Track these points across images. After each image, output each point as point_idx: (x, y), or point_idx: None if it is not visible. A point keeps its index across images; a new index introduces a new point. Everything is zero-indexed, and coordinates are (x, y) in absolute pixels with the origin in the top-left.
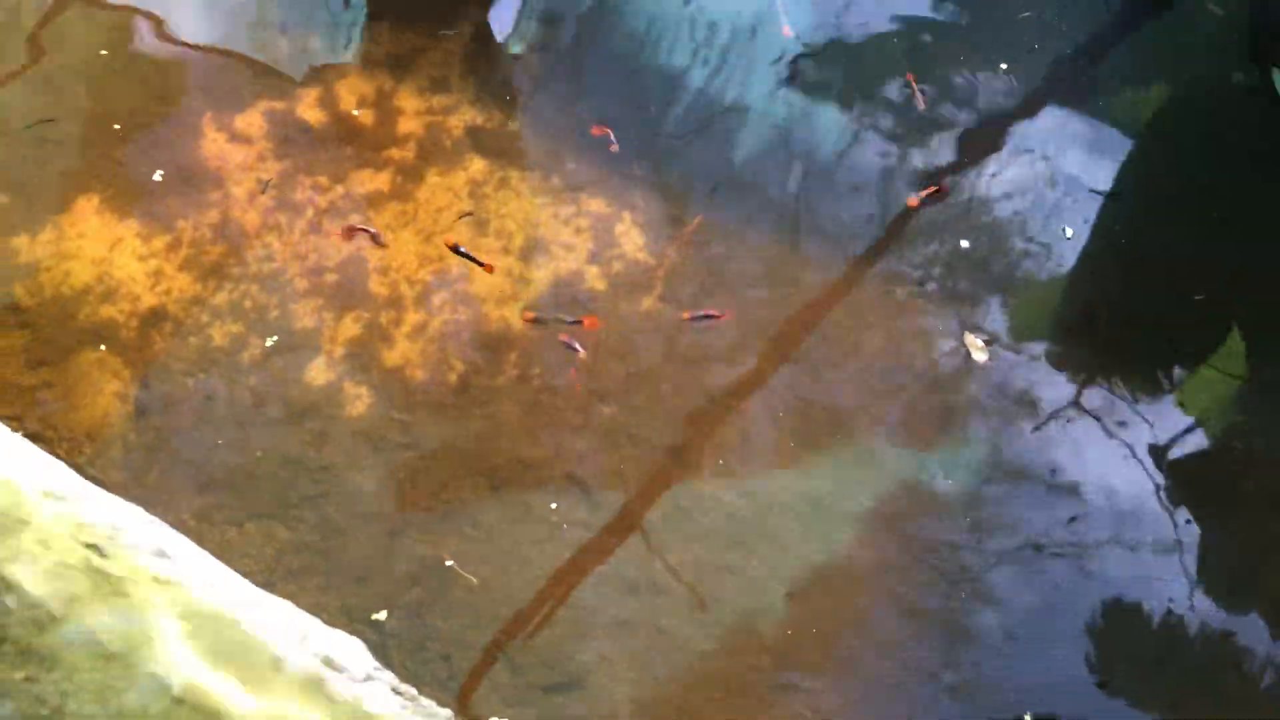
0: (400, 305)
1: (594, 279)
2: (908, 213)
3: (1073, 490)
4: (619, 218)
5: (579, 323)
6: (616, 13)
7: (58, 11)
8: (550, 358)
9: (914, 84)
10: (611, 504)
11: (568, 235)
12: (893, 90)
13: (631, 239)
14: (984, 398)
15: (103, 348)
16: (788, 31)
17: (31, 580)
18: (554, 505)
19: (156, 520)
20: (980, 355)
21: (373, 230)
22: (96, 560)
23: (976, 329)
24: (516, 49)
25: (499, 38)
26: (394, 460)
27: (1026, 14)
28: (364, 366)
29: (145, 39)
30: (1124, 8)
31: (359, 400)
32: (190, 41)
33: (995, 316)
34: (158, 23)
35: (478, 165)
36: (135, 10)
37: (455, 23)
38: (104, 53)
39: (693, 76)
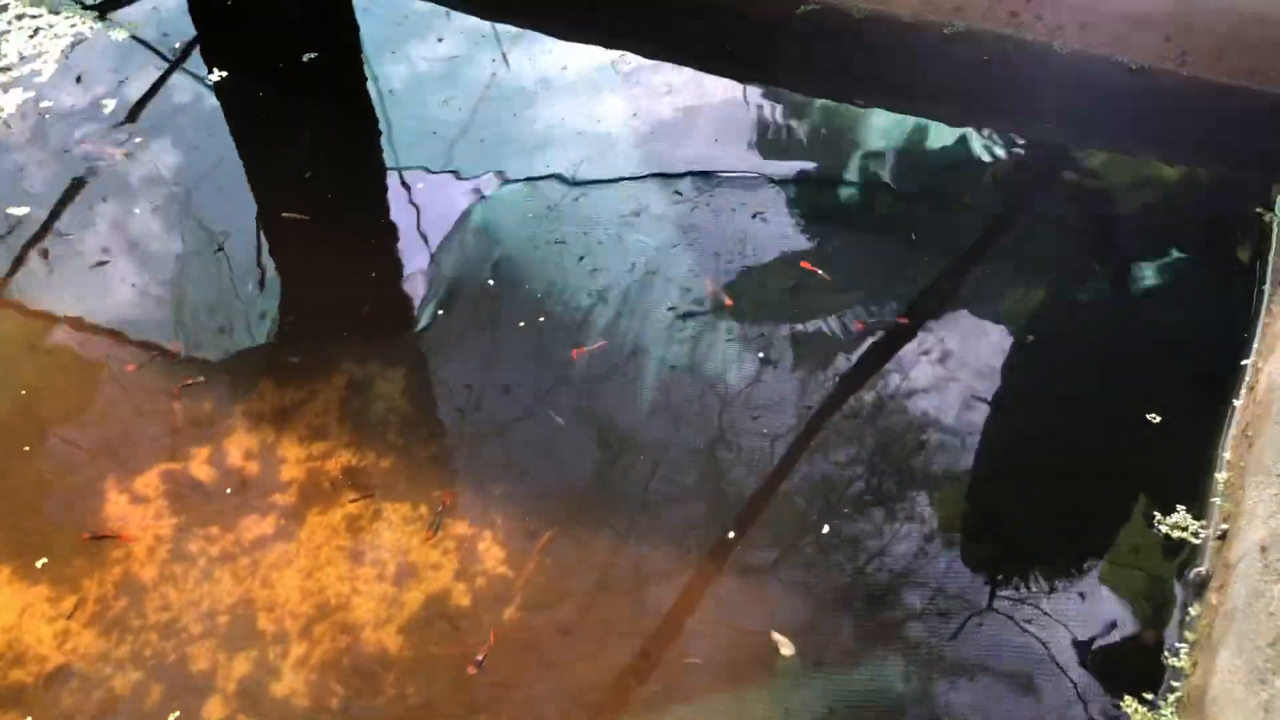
0: (285, 639)
1: (460, 595)
2: (809, 434)
3: (1003, 690)
4: (481, 536)
5: None
6: (512, 285)
7: None
8: (424, 675)
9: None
10: None
11: (435, 557)
12: (783, 326)
13: (493, 554)
14: (914, 601)
15: (13, 710)
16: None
17: None
18: None
19: None
20: (787, 650)
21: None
22: None
23: (781, 629)
24: (372, 369)
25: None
26: None
27: (890, 245)
28: (254, 701)
29: (43, 394)
30: (985, 229)
31: None
32: (88, 383)
33: (920, 515)
34: (48, 400)
35: (354, 503)
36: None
37: (329, 368)
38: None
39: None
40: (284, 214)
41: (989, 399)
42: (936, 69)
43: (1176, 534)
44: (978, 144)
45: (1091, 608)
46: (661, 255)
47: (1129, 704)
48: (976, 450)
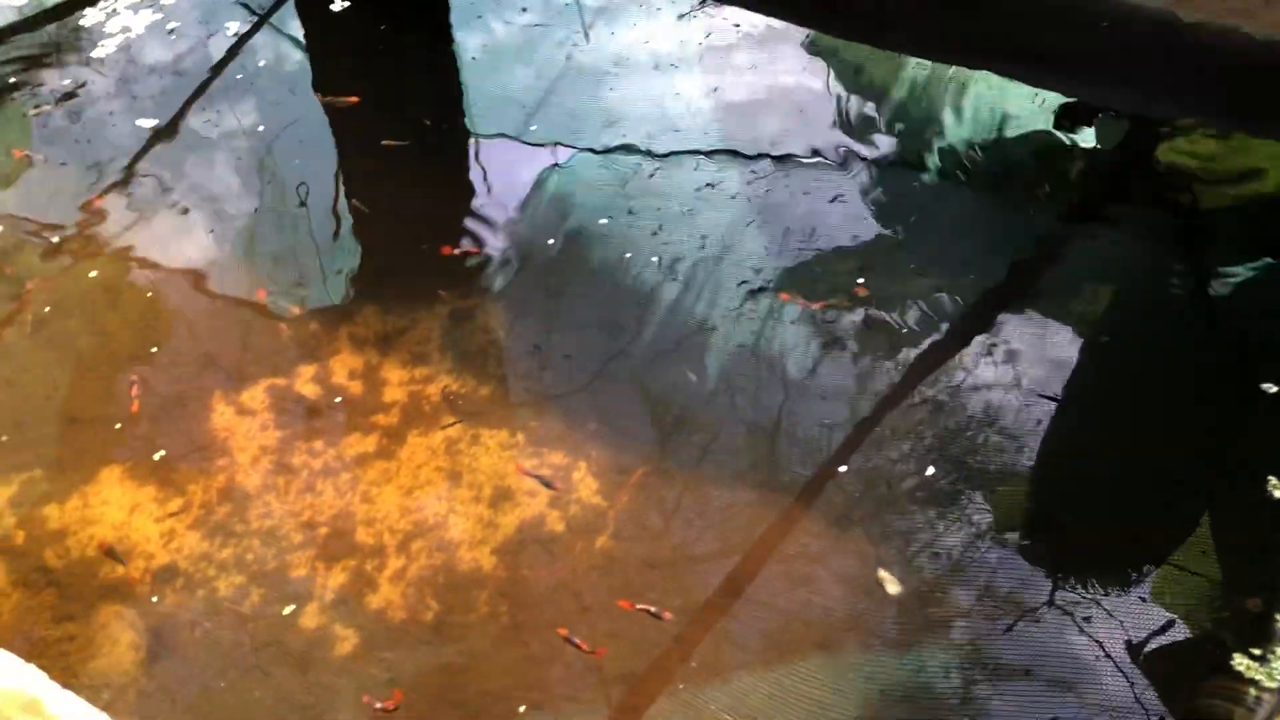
0: (383, 553)
1: (554, 522)
2: (872, 421)
3: (1052, 689)
4: (576, 467)
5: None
6: (586, 248)
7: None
8: (519, 593)
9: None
10: None
11: (531, 484)
12: (855, 308)
13: (587, 485)
14: (966, 596)
15: (121, 603)
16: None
17: None
18: None
19: None
20: (894, 588)
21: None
22: None
23: (886, 565)
24: (470, 306)
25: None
26: (378, 697)
27: (964, 237)
28: (351, 611)
29: (153, 313)
30: (1060, 228)
31: (346, 641)
32: (199, 307)
33: (978, 512)
34: (160, 293)
35: (454, 426)
36: (145, 270)
37: (433, 295)
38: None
39: (660, 304)
40: (384, 141)
41: (1056, 397)
42: (1047, 36)
43: None
44: (1069, 124)
45: (1188, 580)
46: (734, 232)
47: (1239, 660)
48: (1039, 446)
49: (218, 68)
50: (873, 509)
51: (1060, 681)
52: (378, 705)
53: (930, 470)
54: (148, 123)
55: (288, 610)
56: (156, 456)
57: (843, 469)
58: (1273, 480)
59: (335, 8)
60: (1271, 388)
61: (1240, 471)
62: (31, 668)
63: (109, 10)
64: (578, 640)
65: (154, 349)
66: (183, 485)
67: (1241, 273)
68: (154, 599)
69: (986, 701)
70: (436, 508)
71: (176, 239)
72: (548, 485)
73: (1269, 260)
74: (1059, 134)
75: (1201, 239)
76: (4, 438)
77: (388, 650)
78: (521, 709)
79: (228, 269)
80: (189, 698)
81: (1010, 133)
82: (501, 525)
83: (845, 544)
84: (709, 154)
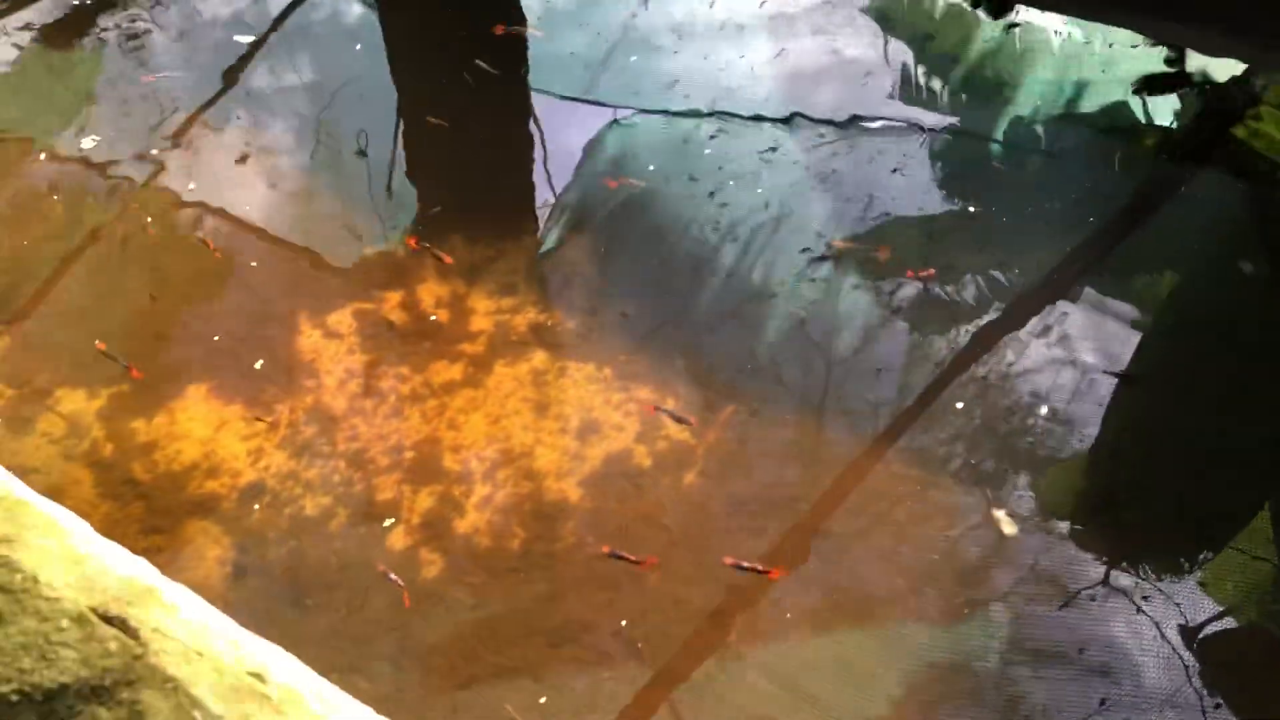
0: (470, 480)
1: (641, 457)
2: (930, 393)
3: (1103, 671)
4: (664, 402)
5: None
6: (645, 209)
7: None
8: (605, 525)
9: (920, 275)
10: (655, 664)
11: (618, 418)
12: (913, 281)
13: (673, 423)
14: (1012, 577)
15: (208, 518)
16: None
17: (213, 699)
18: (604, 668)
19: (292, 658)
20: (1010, 528)
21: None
22: (259, 686)
23: (1003, 504)
24: (550, 245)
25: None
26: (464, 620)
27: (1031, 209)
28: (437, 535)
29: (237, 241)
30: (1129, 203)
31: (433, 565)
32: (279, 237)
33: (1023, 494)
34: (239, 224)
35: (540, 357)
36: (225, 214)
37: (518, 230)
38: (198, 244)
39: (721, 265)
40: (430, 119)
41: (1122, 374)
42: None
43: None
44: (1149, 100)
45: (1244, 571)
46: (795, 198)
47: None
48: (1107, 424)
49: (280, 20)
50: (922, 488)
51: (1108, 665)
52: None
53: (981, 448)
54: (245, 37)
55: (375, 532)
56: (242, 375)
57: (893, 445)
58: None
59: None
60: None
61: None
62: (143, 560)
63: None
64: (623, 553)
65: (245, 270)
66: (270, 404)
67: None
68: (241, 515)
69: (1029, 684)
70: (523, 438)
71: (263, 174)
72: (680, 420)
73: None
74: (1135, 105)
75: (1275, 217)
76: (97, 348)
77: (473, 576)
78: (611, 633)
79: (316, 198)
80: (276, 614)
81: (1083, 104)
82: (588, 458)
83: (889, 526)
84: (771, 119)
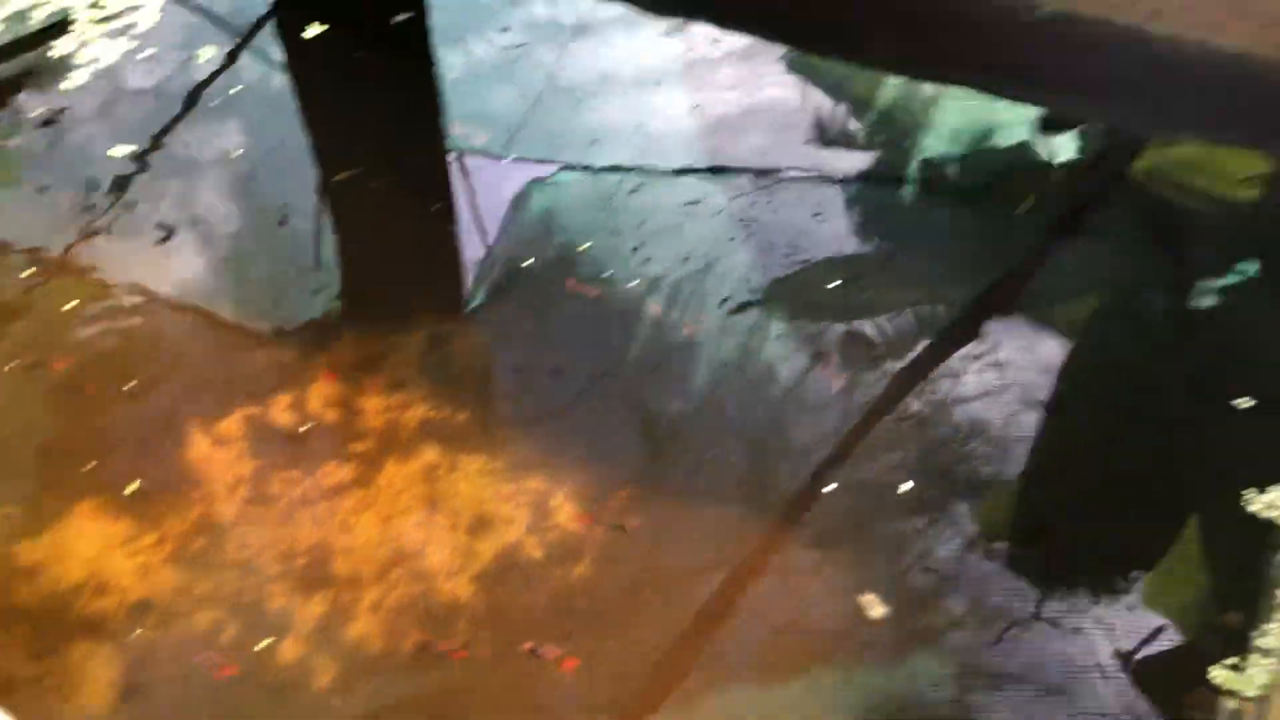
0: (361, 583)
1: (532, 549)
2: (858, 434)
3: (1042, 699)
4: (554, 493)
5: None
6: (570, 265)
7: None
8: (496, 621)
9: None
10: None
11: (509, 510)
12: (838, 326)
13: (565, 511)
14: (955, 607)
15: (95, 638)
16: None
17: None
18: None
19: None
20: (877, 611)
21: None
22: None
23: (872, 589)
24: (449, 330)
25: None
26: None
27: (947, 248)
28: (329, 641)
29: (137, 325)
30: (1039, 238)
31: (326, 672)
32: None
33: (964, 522)
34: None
35: (431, 453)
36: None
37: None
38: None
39: (641, 324)
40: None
41: (1045, 403)
42: (1023, 50)
43: (1267, 514)
44: (1052, 139)
45: (1185, 594)
46: (718, 248)
47: (1216, 672)
48: (1031, 454)
49: (195, 93)
50: (860, 523)
51: (1051, 690)
52: None
53: (915, 481)
54: (125, 149)
55: (266, 643)
56: (130, 490)
57: (828, 484)
58: (1248, 494)
59: (309, 35)
60: (1245, 402)
61: (1219, 484)
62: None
63: (81, 40)
64: (542, 650)
65: (130, 379)
66: (158, 518)
67: (1221, 282)
68: (129, 634)
69: (978, 713)
70: (415, 536)
71: (154, 264)
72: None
73: (1246, 267)
74: (1039, 144)
75: (1181, 248)
76: None
77: (366, 680)
78: None
79: (204, 294)
80: None
81: (990, 144)
82: (480, 553)
83: (831, 563)
84: (692, 171)
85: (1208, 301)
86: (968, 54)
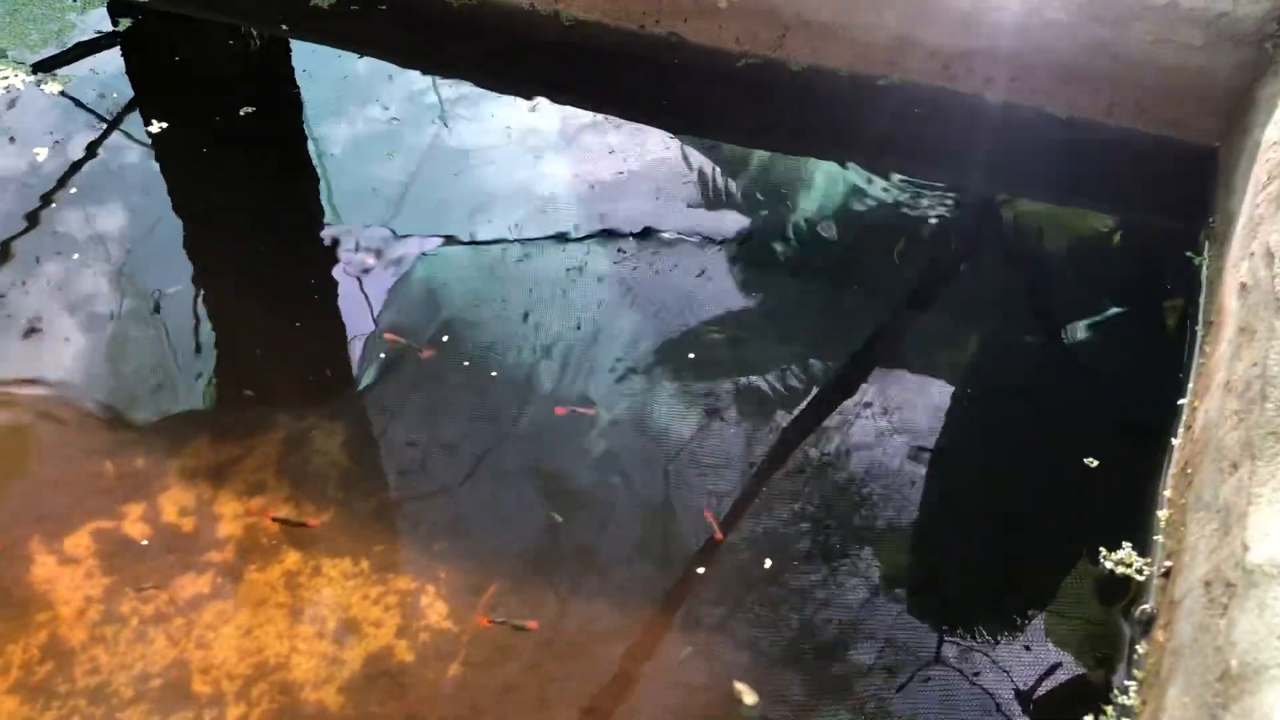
0: (221, 701)
1: (403, 652)
2: (751, 492)
3: None
4: (424, 591)
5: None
6: (456, 339)
7: None
8: None
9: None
10: None
11: (378, 614)
12: (724, 383)
13: (436, 610)
14: (860, 655)
15: None
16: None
17: None
18: None
19: None
20: (750, 699)
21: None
22: None
23: (744, 678)
24: (312, 422)
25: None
26: None
27: (828, 300)
28: None
29: None
30: (917, 286)
31: None
32: (19, 442)
33: (868, 566)
34: None
35: (293, 558)
36: None
37: (280, 410)
38: None
39: (532, 391)
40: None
41: (930, 450)
42: (871, 120)
43: (1121, 570)
44: (912, 196)
45: (1038, 651)
46: (606, 313)
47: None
48: (919, 501)
49: (62, 180)
50: (760, 579)
51: None
52: None
53: (814, 532)
54: None
55: None
56: None
57: (722, 544)
58: (1103, 550)
59: (153, 129)
60: (1093, 462)
61: (1079, 536)
62: None
63: None
64: None
65: None
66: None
67: (1090, 319)
68: None
69: None
70: (277, 647)
71: (18, 359)
72: (521, 629)
73: (1111, 308)
74: (907, 198)
75: (1048, 289)
76: None
77: None
78: None
79: (49, 399)
80: None
81: (858, 200)
82: (347, 660)
83: (714, 646)
84: (577, 238)
85: (1076, 335)
86: (817, 127)
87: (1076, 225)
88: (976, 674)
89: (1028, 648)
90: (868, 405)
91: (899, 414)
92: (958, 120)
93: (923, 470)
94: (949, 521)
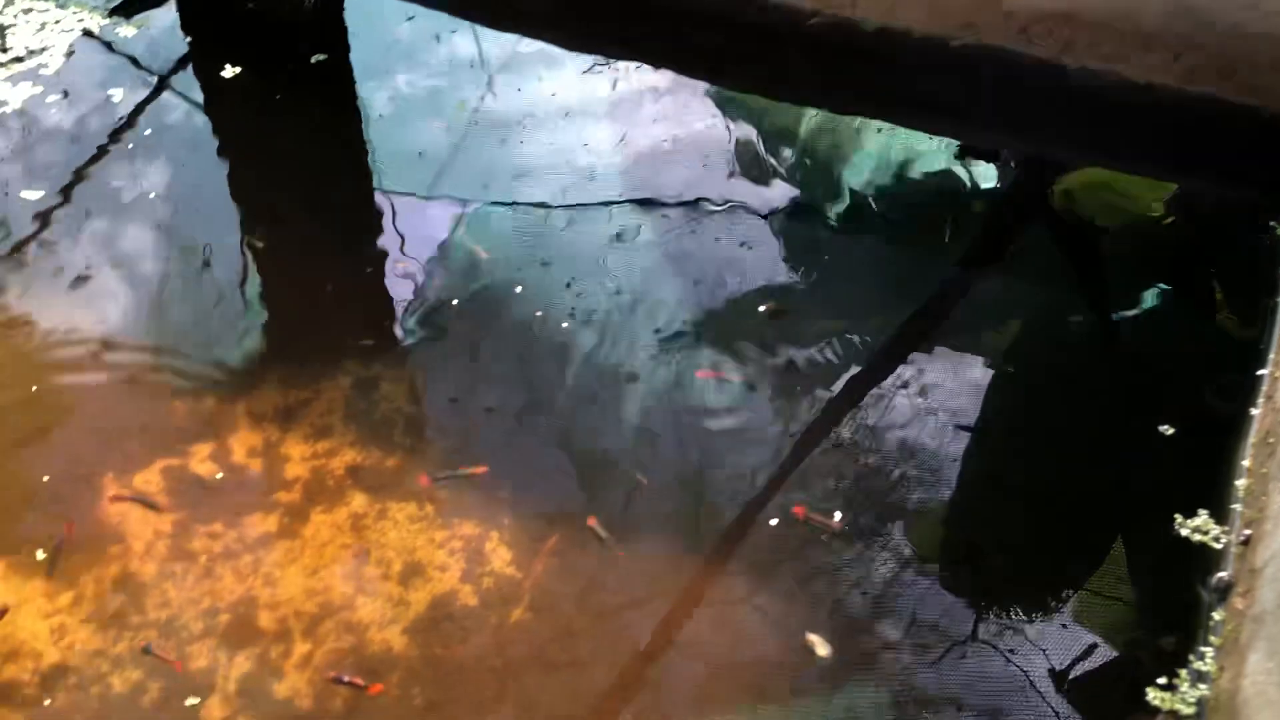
0: (288, 639)
1: (467, 596)
2: (791, 463)
3: (984, 718)
4: (488, 537)
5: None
6: (499, 304)
7: None
8: (429, 675)
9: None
10: None
11: (442, 557)
12: (765, 356)
13: (500, 556)
14: (892, 632)
15: (8, 706)
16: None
17: None
18: None
19: None
20: (823, 650)
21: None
22: None
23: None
24: (375, 372)
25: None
26: None
27: (873, 276)
28: (255, 701)
29: (50, 376)
30: (962, 263)
31: None
32: (91, 383)
33: (901, 545)
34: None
35: (359, 501)
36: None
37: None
38: None
39: (574, 357)
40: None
41: (981, 426)
42: (941, 85)
43: (1197, 538)
44: (972, 167)
45: (1113, 616)
46: (648, 281)
47: (1154, 694)
48: (961, 474)
49: (114, 134)
50: (796, 552)
51: (987, 712)
52: None
53: (850, 508)
54: (38, 192)
55: (190, 703)
56: (44, 547)
57: (763, 515)
58: (1178, 518)
59: (226, 74)
60: (1168, 429)
61: (1145, 507)
62: None
63: None
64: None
65: (43, 432)
66: (74, 577)
67: (1139, 301)
68: (45, 700)
69: None
70: (343, 588)
71: (68, 311)
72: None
73: (1162, 289)
74: (959, 172)
75: (1100, 270)
76: None
77: None
78: None
79: (121, 342)
80: None
81: (912, 173)
82: (412, 603)
83: (767, 597)
84: (619, 204)
85: (1129, 322)
86: (884, 87)
87: (1155, 193)
88: (1043, 639)
89: (1102, 613)
90: (906, 384)
91: (941, 392)
92: (1031, 85)
93: (962, 448)
94: (991, 496)
